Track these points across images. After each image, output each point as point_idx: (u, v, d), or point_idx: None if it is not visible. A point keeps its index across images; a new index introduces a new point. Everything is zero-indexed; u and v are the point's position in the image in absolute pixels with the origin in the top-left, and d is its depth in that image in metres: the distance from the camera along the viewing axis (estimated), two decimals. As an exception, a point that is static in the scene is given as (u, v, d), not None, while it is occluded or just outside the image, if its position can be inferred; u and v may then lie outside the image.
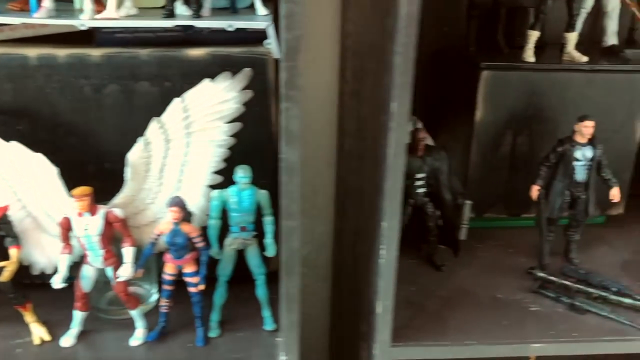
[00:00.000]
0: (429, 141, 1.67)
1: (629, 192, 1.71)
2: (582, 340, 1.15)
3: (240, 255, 1.22)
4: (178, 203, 1.11)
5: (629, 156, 1.52)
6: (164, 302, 1.21)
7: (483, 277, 1.37)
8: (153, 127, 1.18)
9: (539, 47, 1.53)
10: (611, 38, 1.58)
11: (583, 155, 1.28)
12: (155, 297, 1.30)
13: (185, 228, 1.13)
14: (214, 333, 1.24)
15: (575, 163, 1.28)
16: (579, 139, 1.32)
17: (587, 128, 1.25)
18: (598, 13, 1.65)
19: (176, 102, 1.18)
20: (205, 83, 1.18)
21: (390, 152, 0.96)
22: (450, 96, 1.56)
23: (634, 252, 1.50)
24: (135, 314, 1.20)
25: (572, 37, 1.46)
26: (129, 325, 1.22)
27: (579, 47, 1.57)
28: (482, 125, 1.41)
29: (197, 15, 1.22)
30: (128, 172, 1.18)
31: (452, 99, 1.53)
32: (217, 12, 1.32)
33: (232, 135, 1.21)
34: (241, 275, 1.22)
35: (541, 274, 1.34)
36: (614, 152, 1.50)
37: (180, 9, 1.22)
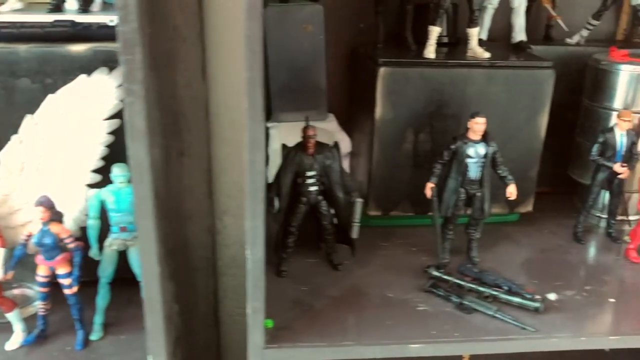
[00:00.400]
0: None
1: (538, 190, 1.71)
2: (463, 340, 1.14)
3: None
4: (44, 202, 1.08)
5: (534, 153, 1.51)
6: (41, 305, 1.18)
7: (379, 276, 1.35)
8: (27, 124, 1.14)
9: (453, 44, 1.52)
10: (519, 34, 1.57)
11: (476, 152, 1.26)
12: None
13: (54, 228, 1.10)
14: (95, 336, 1.21)
15: (468, 160, 1.27)
16: (472, 135, 1.30)
17: (478, 125, 1.24)
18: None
19: (51, 98, 1.14)
20: (81, 78, 1.15)
21: (248, 150, 0.93)
22: (360, 94, 1.55)
23: (538, 251, 1.49)
24: (11, 317, 1.17)
25: (473, 33, 1.45)
26: (10, 329, 1.19)
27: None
28: (382, 122, 1.40)
29: (84, 10, 1.19)
30: (0, 171, 1.14)
31: (362, 97, 1.52)
32: (110, 7, 1.29)
33: (111, 133, 1.18)
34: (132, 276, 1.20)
35: (435, 273, 1.32)
36: (519, 150, 1.49)
37: (70, 3, 1.19)
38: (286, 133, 1.41)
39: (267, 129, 1.65)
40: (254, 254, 1.01)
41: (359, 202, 1.32)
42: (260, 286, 1.03)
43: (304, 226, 1.37)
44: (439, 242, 1.34)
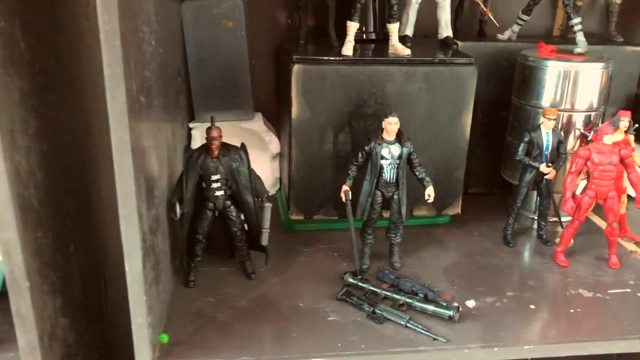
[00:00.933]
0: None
1: (472, 191, 1.66)
2: (369, 352, 1.07)
3: None
4: None
5: (460, 153, 1.45)
6: None
7: (294, 284, 1.29)
8: None
9: (381, 40, 1.46)
10: (445, 30, 1.51)
11: (390, 153, 1.20)
12: None
13: None
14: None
15: (382, 162, 1.20)
16: (386, 136, 1.24)
17: (391, 125, 1.18)
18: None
19: None
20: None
21: (115, 152, 0.86)
22: (283, 92, 1.50)
23: (464, 255, 1.43)
24: None
25: (393, 29, 1.39)
26: None
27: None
28: (299, 122, 1.34)
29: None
30: None
31: (284, 95, 1.46)
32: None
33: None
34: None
35: (351, 280, 1.26)
36: (444, 150, 1.44)
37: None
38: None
39: (189, 129, 1.58)
40: (132, 267, 0.93)
41: (267, 206, 1.25)
42: (141, 300, 0.96)
43: (218, 232, 1.30)
44: (353, 247, 1.28)
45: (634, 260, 1.42)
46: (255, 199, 1.23)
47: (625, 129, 1.42)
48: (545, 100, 1.44)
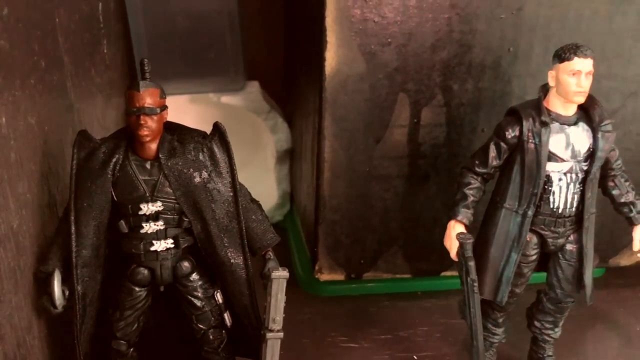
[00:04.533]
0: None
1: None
2: None
3: None
4: None
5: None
6: None
7: None
8: None
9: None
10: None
11: (569, 144, 0.62)
12: None
13: None
14: None
15: (550, 166, 0.63)
16: (556, 106, 0.60)
17: (577, 76, 0.62)
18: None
19: None
20: None
21: None
22: (304, 37, 0.98)
23: None
24: None
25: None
26: None
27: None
28: (339, 82, 0.76)
29: None
30: None
31: (306, 43, 0.95)
32: None
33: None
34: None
35: None
36: None
37: None
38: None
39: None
40: None
41: (279, 276, 0.58)
42: None
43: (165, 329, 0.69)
44: (475, 346, 0.57)
45: None
46: (248, 254, 0.64)
47: None
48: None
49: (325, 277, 0.88)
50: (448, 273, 0.88)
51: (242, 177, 0.64)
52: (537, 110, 0.62)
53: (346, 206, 0.86)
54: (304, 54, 0.99)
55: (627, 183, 0.66)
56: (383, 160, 0.83)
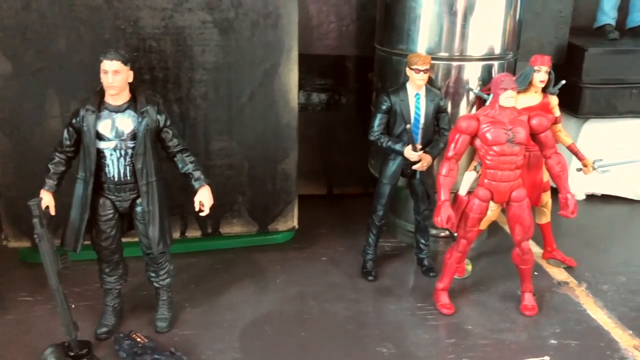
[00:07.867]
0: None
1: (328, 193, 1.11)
2: None
3: None
4: None
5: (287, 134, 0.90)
6: None
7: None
8: None
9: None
10: None
11: (114, 127, 0.79)
12: None
13: None
14: None
15: (101, 145, 0.78)
16: (109, 98, 0.77)
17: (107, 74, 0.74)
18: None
19: None
20: None
21: None
22: None
23: (291, 297, 0.96)
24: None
25: None
26: None
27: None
28: None
29: None
30: None
31: None
32: None
33: None
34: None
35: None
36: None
37: None
38: None
39: None
40: None
41: None
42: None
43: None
44: (60, 302, 0.71)
45: (564, 299, 0.87)
46: None
47: (543, 84, 0.87)
48: (420, 45, 0.89)
49: (13, 244, 0.95)
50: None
51: None
52: (92, 102, 0.75)
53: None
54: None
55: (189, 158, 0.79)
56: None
